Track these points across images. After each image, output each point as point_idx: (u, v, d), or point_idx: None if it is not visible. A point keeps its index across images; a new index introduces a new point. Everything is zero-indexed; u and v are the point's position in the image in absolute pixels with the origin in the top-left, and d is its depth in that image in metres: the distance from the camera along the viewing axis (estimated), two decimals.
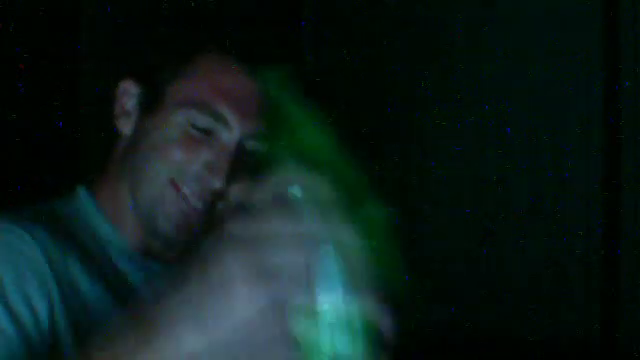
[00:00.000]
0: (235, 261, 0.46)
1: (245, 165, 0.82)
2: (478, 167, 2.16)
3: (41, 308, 0.73)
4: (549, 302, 2.10)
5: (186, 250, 0.86)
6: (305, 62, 2.29)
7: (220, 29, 0.87)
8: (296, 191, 0.50)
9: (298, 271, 0.46)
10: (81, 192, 0.88)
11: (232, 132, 0.81)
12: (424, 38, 2.20)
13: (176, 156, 0.81)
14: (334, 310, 0.48)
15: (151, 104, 0.84)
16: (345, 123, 2.27)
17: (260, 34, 0.88)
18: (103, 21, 1.83)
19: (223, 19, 0.89)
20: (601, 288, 2.06)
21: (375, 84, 2.25)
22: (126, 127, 0.86)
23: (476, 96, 2.15)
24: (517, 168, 2.13)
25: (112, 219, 0.86)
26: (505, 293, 2.13)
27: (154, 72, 0.85)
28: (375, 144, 2.24)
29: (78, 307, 0.76)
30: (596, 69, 2.05)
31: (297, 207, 0.49)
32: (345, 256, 0.49)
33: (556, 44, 2.08)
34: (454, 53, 2.17)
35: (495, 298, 2.13)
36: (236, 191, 0.51)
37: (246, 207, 0.50)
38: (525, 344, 2.08)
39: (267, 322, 0.46)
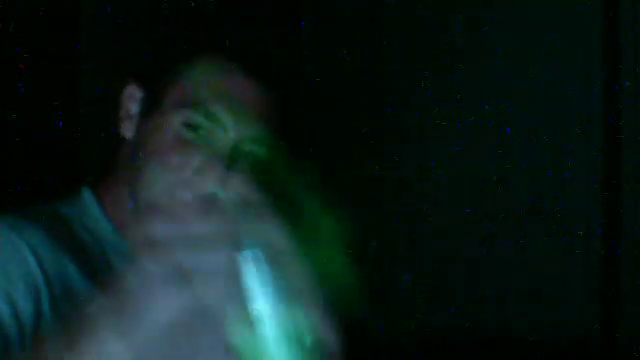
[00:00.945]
0: (152, 262, 0.45)
1: (243, 168, 0.81)
2: (478, 167, 2.16)
3: (26, 310, 0.72)
4: (549, 302, 2.10)
5: None
6: (305, 62, 2.29)
7: (220, 31, 0.87)
8: (218, 191, 0.49)
9: (218, 273, 0.45)
10: (85, 194, 0.88)
11: (227, 133, 0.81)
12: (424, 38, 2.20)
13: (172, 161, 0.80)
14: (266, 316, 0.46)
15: (151, 107, 0.84)
16: (345, 123, 2.29)
17: (260, 36, 0.88)
18: (103, 21, 1.83)
19: (223, 20, 0.89)
20: (601, 288, 2.06)
21: (375, 84, 2.25)
22: (129, 131, 0.86)
23: (476, 96, 2.15)
24: (517, 168, 2.13)
25: (115, 221, 0.86)
26: (505, 293, 2.13)
27: (156, 75, 0.85)
28: (375, 144, 2.24)
29: (70, 309, 0.76)
30: (596, 69, 2.05)
31: (222, 207, 0.48)
32: (275, 259, 0.47)
33: (556, 44, 2.08)
34: (454, 53, 2.17)
35: (495, 298, 2.13)
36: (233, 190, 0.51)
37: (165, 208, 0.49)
38: (525, 344, 2.08)
39: (193, 325, 0.45)
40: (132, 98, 0.86)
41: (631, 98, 2.02)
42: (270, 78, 0.83)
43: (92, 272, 0.81)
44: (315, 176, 0.57)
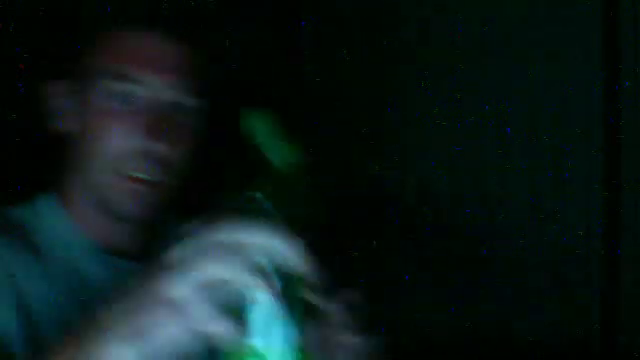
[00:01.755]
0: (169, 282, 0.50)
1: (181, 122, 0.81)
2: (478, 167, 2.16)
3: None
4: (549, 302, 2.10)
5: (150, 233, 0.86)
6: (305, 62, 2.29)
7: (124, 2, 0.85)
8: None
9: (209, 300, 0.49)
10: (43, 196, 0.88)
11: (147, 89, 0.80)
12: (424, 38, 2.20)
13: (112, 141, 0.80)
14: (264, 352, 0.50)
15: (77, 94, 0.84)
16: (345, 123, 2.28)
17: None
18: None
19: None
20: (601, 288, 2.06)
21: (375, 84, 2.25)
22: (67, 125, 0.86)
23: (476, 96, 2.15)
24: (517, 168, 2.13)
25: (76, 219, 0.85)
26: (505, 293, 2.13)
27: (73, 63, 0.85)
28: (375, 144, 2.24)
29: (34, 311, 0.76)
30: (596, 69, 2.05)
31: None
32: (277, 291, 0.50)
33: (556, 44, 2.08)
34: (454, 53, 2.17)
35: (495, 298, 2.13)
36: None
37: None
38: (525, 344, 2.08)
39: (194, 341, 0.49)
40: (56, 93, 0.86)
41: (631, 98, 2.02)
42: (179, 28, 0.83)
43: (55, 273, 0.80)
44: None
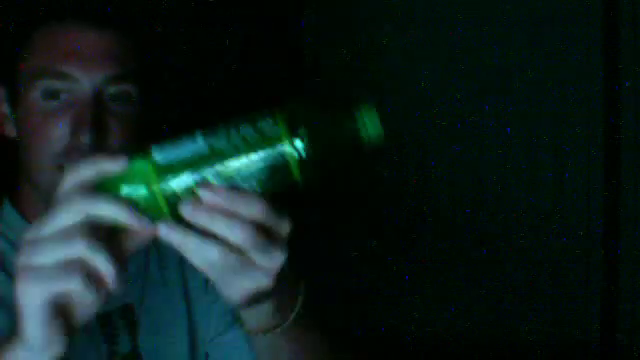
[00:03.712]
0: (16, 263, 0.53)
1: (119, 110, 0.81)
2: (478, 167, 2.16)
3: None
4: (549, 302, 2.10)
5: None
6: (305, 61, 2.29)
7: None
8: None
9: (61, 265, 0.52)
10: (5, 202, 0.88)
11: (82, 84, 0.79)
12: (424, 38, 2.20)
13: (49, 140, 0.80)
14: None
15: (14, 97, 0.83)
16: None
17: None
18: None
19: None
20: (601, 288, 2.06)
21: (375, 83, 2.25)
22: (11, 131, 0.86)
23: (476, 96, 2.15)
24: (517, 168, 2.13)
25: (32, 221, 0.85)
26: (505, 293, 2.13)
27: (8, 67, 0.84)
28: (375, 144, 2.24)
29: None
30: (596, 69, 2.05)
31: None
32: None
33: (556, 44, 2.08)
34: (454, 53, 2.17)
35: (495, 298, 2.13)
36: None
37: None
38: (525, 344, 2.08)
39: (52, 317, 0.52)
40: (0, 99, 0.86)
41: (631, 98, 2.02)
42: (106, 16, 0.82)
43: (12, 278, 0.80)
44: None
